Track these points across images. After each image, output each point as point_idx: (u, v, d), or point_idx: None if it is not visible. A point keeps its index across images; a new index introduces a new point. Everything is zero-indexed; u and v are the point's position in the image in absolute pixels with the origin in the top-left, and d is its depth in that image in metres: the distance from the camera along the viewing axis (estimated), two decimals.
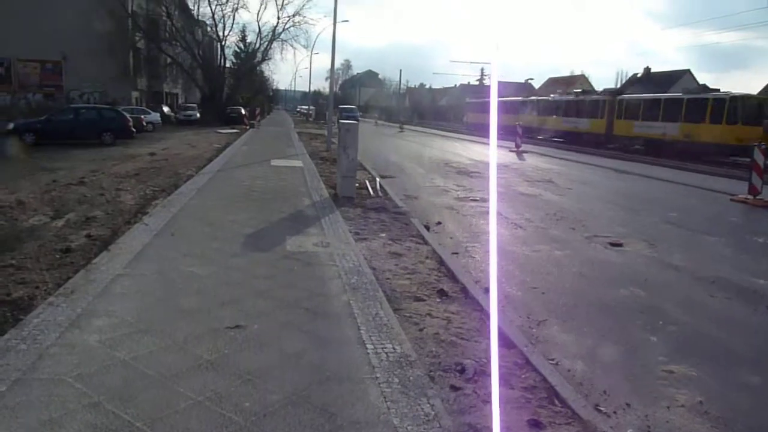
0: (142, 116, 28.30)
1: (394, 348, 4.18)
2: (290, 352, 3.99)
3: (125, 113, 24.57)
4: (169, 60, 47.35)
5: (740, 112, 24.70)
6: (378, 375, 3.72)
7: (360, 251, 7.00)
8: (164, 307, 4.69)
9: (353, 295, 5.29)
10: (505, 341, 4.52)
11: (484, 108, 47.50)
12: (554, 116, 39.09)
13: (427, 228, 9.03)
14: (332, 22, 21.99)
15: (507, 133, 30.86)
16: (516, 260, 7.54)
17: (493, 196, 11.37)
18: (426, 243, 7.81)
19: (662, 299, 6.13)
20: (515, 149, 26.69)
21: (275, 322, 4.51)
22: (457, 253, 7.69)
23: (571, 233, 9.38)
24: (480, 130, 40.70)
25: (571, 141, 34.94)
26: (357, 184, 11.75)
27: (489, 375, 3.87)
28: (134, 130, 24.32)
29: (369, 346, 4.18)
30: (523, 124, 31.39)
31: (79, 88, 46.01)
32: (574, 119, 36.75)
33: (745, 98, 25.93)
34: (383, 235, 8.12)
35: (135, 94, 49.07)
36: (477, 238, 8.72)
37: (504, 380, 3.85)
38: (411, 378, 3.71)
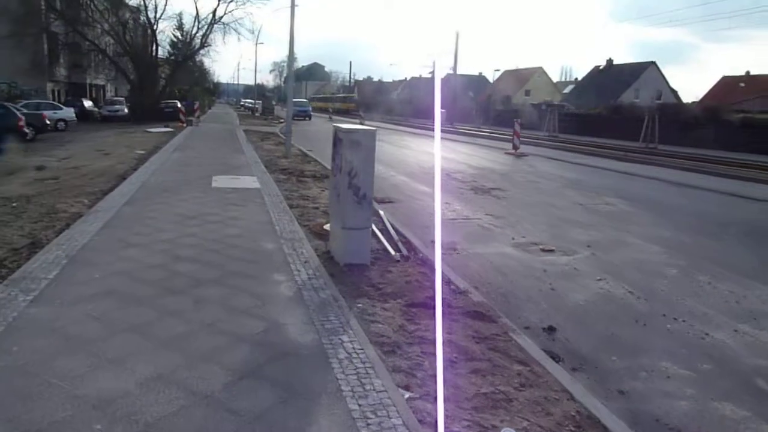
0: (45, 113, 22.11)
1: None
2: None
3: (15, 109, 18.56)
4: (89, 46, 40.45)
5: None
6: None
7: None
8: None
9: None
10: None
11: (325, 100, 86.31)
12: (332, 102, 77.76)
13: (557, 359, 4.20)
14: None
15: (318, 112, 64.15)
16: None
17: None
18: None
19: None
20: (513, 151, 22.17)
21: None
22: None
23: None
24: (320, 112, 65.89)
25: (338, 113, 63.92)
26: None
27: None
28: (28, 131, 18.39)
29: None
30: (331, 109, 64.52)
31: None
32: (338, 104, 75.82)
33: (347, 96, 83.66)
34: (506, 427, 3.18)
35: (51, 85, 42.20)
36: (653, 380, 3.93)
37: None
38: None
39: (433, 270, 6.19)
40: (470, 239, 8.26)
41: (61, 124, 26.54)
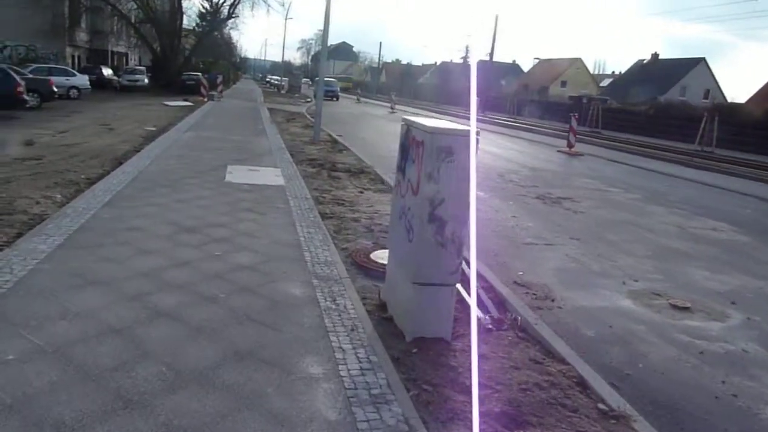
0: (52, 79, 20.15)
1: None
2: None
3: (13, 73, 16.58)
4: (112, 11, 38.49)
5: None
6: None
7: None
8: None
9: None
10: None
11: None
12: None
13: None
14: None
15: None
16: None
17: None
18: None
19: None
20: (567, 149, 19.74)
21: None
22: None
23: None
24: None
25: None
26: None
27: None
28: (29, 98, 16.45)
29: None
30: None
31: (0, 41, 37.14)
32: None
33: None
34: None
35: (70, 50, 40.39)
36: None
37: None
38: None
39: (546, 350, 4.01)
40: (565, 280, 6.05)
41: (73, 92, 24.63)
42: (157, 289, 4.20)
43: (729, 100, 53.78)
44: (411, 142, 3.97)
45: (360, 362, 3.48)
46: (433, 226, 3.67)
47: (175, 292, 4.20)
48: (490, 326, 4.27)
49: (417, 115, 36.37)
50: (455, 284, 3.90)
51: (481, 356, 3.76)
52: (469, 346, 3.87)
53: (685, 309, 5.51)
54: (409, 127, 4.07)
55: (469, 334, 4.08)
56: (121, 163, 9.49)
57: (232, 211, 6.84)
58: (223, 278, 4.59)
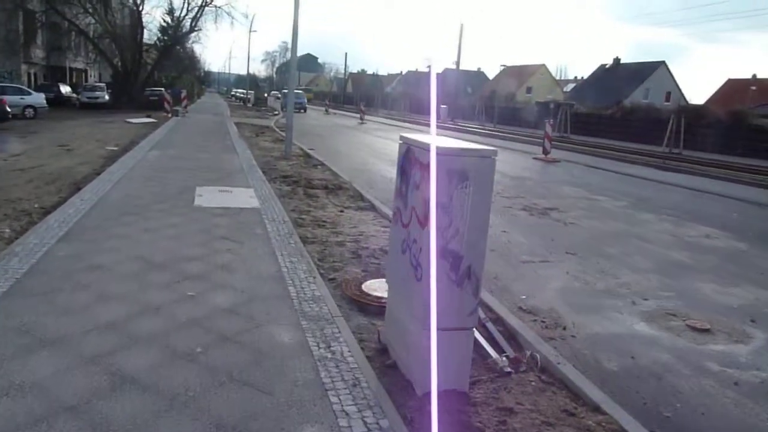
0: (5, 98, 19.06)
1: None
2: None
3: None
4: (69, 26, 37.17)
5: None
6: None
7: None
8: None
9: None
10: None
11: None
12: None
13: None
14: None
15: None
16: None
17: None
18: None
19: None
20: (543, 156, 19.49)
21: None
22: None
23: None
24: None
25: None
26: None
27: None
28: None
29: None
30: None
31: None
32: None
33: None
34: None
35: (26, 68, 38.92)
36: None
37: None
38: None
39: (576, 395, 3.51)
40: (572, 303, 5.59)
41: (29, 111, 23.50)
42: (122, 346, 3.58)
43: (689, 101, 54.85)
44: (413, 164, 3.44)
45: (369, 429, 2.92)
46: (445, 262, 3.15)
47: (143, 348, 3.57)
48: (508, 369, 3.75)
49: (388, 126, 35.89)
50: (473, 327, 3.38)
51: (506, 410, 3.23)
52: (492, 398, 3.35)
53: (705, 331, 5.10)
54: (409, 147, 3.55)
55: (487, 381, 3.58)
56: (79, 189, 8.75)
57: (205, 241, 6.21)
58: (200, 326, 3.98)
